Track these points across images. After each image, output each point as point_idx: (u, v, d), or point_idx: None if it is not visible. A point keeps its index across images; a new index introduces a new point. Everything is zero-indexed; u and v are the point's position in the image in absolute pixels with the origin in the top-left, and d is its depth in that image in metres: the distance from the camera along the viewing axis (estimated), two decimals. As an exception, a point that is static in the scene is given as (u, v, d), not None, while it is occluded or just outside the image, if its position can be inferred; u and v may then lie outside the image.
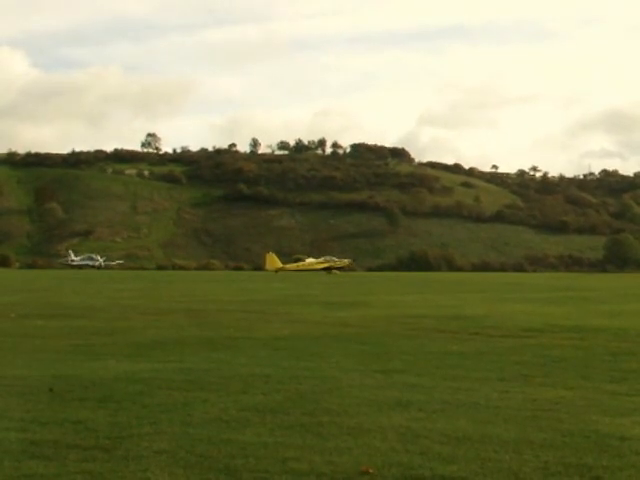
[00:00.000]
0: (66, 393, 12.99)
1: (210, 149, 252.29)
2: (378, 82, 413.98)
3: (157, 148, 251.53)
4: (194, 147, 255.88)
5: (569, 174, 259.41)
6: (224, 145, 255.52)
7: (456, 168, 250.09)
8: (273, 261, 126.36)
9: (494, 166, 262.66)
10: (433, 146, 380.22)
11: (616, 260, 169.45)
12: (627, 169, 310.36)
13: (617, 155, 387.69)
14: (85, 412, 11.53)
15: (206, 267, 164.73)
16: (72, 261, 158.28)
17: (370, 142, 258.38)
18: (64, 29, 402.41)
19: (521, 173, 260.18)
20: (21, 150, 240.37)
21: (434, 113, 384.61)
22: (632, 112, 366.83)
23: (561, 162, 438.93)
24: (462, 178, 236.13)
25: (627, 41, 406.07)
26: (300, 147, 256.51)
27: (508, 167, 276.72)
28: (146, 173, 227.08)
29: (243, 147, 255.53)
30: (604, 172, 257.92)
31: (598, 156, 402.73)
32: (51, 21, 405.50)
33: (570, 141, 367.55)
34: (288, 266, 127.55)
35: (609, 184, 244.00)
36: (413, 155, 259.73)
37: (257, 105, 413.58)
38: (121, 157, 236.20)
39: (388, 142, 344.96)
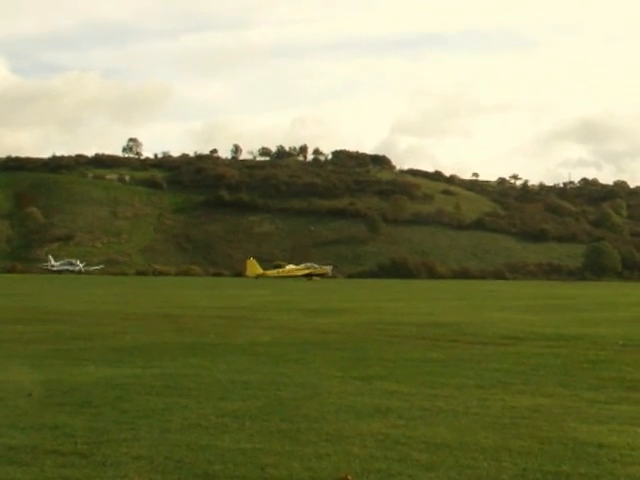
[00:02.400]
0: (45, 398, 12.95)
1: (191, 155, 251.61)
2: (356, 89, 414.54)
3: (138, 153, 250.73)
4: (175, 153, 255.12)
5: (545, 183, 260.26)
6: (205, 151, 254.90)
7: (437, 175, 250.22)
8: (253, 267, 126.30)
9: (475, 174, 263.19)
10: (410, 154, 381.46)
11: (595, 268, 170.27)
12: (601, 178, 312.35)
13: (592, 164, 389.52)
14: (63, 417, 11.49)
15: (186, 273, 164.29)
16: (52, 266, 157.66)
17: (349, 149, 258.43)
18: (44, 34, 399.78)
19: (501, 181, 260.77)
20: (1, 154, 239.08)
21: (408, 121, 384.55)
22: (604, 122, 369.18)
23: (537, 171, 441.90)
24: (442, 186, 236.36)
25: (601, 51, 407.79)
26: (281, 153, 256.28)
27: (485, 175, 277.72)
28: (127, 178, 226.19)
29: (224, 153, 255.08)
30: (584, 181, 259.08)
31: (574, 165, 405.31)
32: (31, 26, 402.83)
33: (544, 150, 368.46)
34: (268, 272, 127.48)
35: (589, 193, 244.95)
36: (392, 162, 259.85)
37: (236, 111, 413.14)
38: (102, 162, 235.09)
39: (366, 149, 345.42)
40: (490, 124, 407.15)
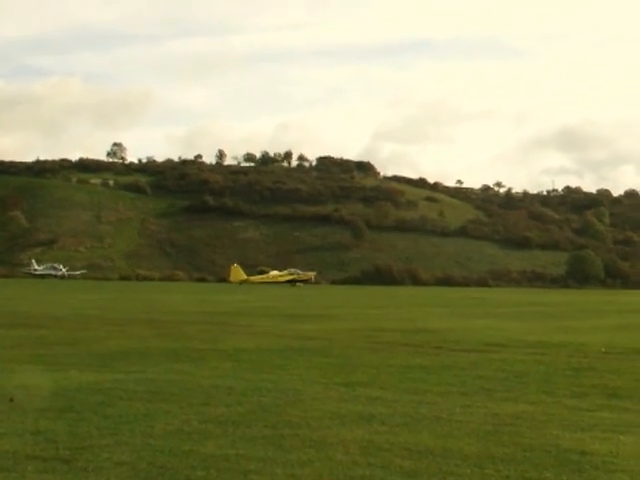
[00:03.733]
0: (26, 403, 12.88)
1: (175, 160, 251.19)
2: (340, 96, 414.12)
3: (122, 158, 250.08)
4: (159, 158, 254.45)
5: (528, 190, 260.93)
6: (189, 156, 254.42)
7: (420, 182, 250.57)
8: (237, 273, 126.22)
9: (458, 181, 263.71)
10: (393, 160, 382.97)
11: (578, 276, 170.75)
12: (583, 186, 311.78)
13: (574, 172, 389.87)
14: (45, 422, 11.44)
15: (170, 278, 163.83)
16: (35, 270, 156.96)
17: (333, 155, 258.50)
18: (27, 38, 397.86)
19: (485, 188, 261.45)
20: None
21: (391, 127, 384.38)
22: (585, 130, 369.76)
23: (519, 178, 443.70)
24: (426, 192, 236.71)
25: (583, 60, 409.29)
26: (266, 159, 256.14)
27: (469, 182, 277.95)
28: (111, 183, 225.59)
29: (208, 158, 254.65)
30: (567, 189, 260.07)
31: (555, 173, 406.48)
32: (13, 29, 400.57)
33: (526, 158, 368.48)
34: (252, 278, 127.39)
35: (572, 201, 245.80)
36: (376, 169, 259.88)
37: (220, 117, 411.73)
38: (86, 166, 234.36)
39: (349, 155, 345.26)
40: (473, 131, 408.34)
